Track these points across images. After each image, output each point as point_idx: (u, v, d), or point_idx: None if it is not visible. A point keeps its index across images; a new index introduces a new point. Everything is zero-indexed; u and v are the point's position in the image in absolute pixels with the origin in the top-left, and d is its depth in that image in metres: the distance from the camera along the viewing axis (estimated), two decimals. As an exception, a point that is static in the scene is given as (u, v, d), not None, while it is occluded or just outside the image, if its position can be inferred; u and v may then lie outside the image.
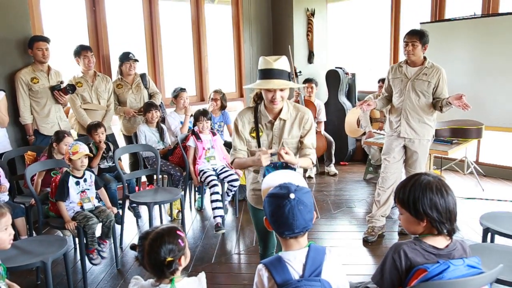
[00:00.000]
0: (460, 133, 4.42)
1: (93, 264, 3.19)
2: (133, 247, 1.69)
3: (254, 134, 2.41)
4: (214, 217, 3.88)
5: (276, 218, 1.54)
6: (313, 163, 2.38)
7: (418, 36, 3.49)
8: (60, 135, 3.60)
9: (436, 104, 3.53)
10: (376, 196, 3.79)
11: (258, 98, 2.43)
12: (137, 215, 4.32)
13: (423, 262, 1.50)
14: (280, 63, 2.23)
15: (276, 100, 2.26)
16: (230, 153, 2.46)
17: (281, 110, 2.34)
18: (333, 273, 1.55)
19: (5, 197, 3.41)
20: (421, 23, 5.37)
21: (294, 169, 2.18)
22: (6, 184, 3.41)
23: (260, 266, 1.54)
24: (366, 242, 3.68)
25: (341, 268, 1.59)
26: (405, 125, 3.62)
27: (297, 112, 2.39)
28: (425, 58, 3.58)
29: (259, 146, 2.38)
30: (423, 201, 1.52)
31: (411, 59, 3.57)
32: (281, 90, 2.25)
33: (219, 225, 3.83)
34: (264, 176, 2.10)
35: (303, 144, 2.38)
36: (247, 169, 2.50)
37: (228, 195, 4.20)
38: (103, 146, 3.94)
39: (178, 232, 1.67)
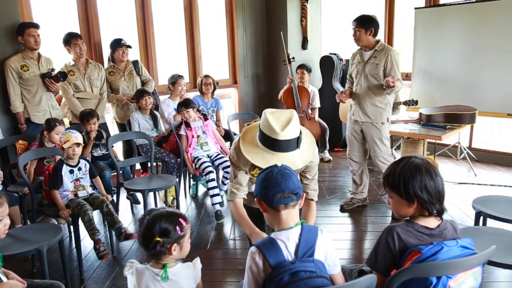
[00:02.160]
0: (454, 118, 4.44)
1: (101, 258, 3.02)
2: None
3: (254, 172, 2.15)
4: (213, 204, 3.90)
5: (266, 184, 1.57)
6: (315, 200, 2.28)
7: (360, 23, 3.60)
8: (51, 124, 3.57)
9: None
10: (352, 175, 4.06)
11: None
12: (136, 201, 4.32)
13: (416, 243, 1.52)
14: (289, 131, 1.84)
15: None
16: (230, 191, 2.17)
17: None
18: (326, 252, 1.57)
19: (-1, 186, 3.39)
20: (415, 8, 5.35)
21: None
22: (1, 173, 3.39)
23: (253, 248, 1.55)
24: (342, 209, 4.04)
25: (333, 248, 1.61)
26: (358, 109, 3.80)
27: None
28: (377, 41, 3.68)
29: None
30: (413, 183, 1.54)
31: (359, 44, 3.70)
32: None
33: (219, 213, 3.85)
34: None
35: (305, 185, 2.18)
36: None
37: (224, 184, 4.19)
38: (93, 135, 3.89)
39: (180, 219, 1.67)
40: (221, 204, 3.92)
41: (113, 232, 3.48)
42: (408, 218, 1.62)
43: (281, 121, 1.85)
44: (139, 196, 4.33)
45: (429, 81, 5.34)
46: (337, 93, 3.95)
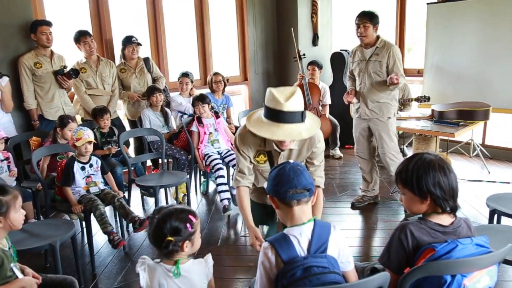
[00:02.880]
0: (467, 115, 4.38)
1: (116, 247, 3.04)
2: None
3: (259, 159, 2.17)
4: (221, 200, 3.90)
5: (278, 180, 1.58)
6: (321, 188, 2.24)
7: (368, 17, 3.54)
8: (64, 120, 3.60)
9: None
10: (362, 173, 4.03)
11: None
12: (152, 194, 4.31)
13: (430, 241, 1.51)
14: (293, 102, 1.88)
15: (286, 145, 2.03)
16: (235, 178, 2.20)
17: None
18: (338, 249, 1.56)
19: (13, 182, 3.43)
20: (428, 4, 5.29)
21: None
22: (15, 169, 3.44)
23: (265, 244, 1.54)
24: (353, 206, 4.02)
25: (346, 245, 1.60)
26: (364, 107, 3.75)
27: (305, 141, 2.14)
28: (378, 37, 3.63)
29: (271, 165, 2.17)
30: (427, 179, 1.52)
31: (364, 41, 3.62)
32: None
33: (226, 207, 3.86)
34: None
35: (311, 172, 2.17)
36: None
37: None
38: (113, 151, 3.94)
39: (190, 216, 1.66)
40: (229, 200, 3.92)
41: (125, 227, 3.52)
42: (421, 215, 1.60)
43: (285, 94, 1.89)
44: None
45: (441, 77, 5.28)
46: (344, 95, 3.89)
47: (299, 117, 1.90)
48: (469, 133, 5.14)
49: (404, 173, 1.59)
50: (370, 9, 3.65)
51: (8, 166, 3.42)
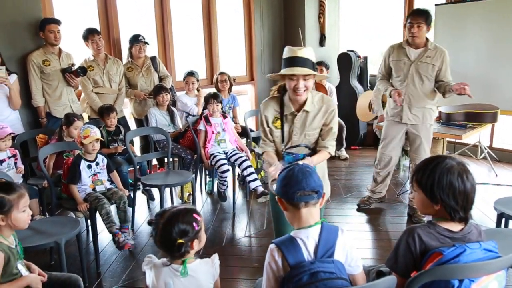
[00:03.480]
0: (475, 117, 4.35)
1: (121, 248, 3.09)
2: (150, 222, 1.70)
3: (276, 124, 2.35)
4: (219, 185, 4.08)
5: (287, 181, 1.59)
6: (330, 153, 2.35)
7: (424, 17, 3.31)
8: (70, 119, 3.61)
9: (440, 88, 3.44)
10: (375, 174, 3.89)
11: (283, 89, 2.35)
12: (151, 198, 4.34)
13: (438, 246, 1.49)
14: (304, 52, 2.18)
15: (300, 89, 2.18)
16: (260, 145, 2.47)
17: (305, 101, 2.27)
18: (346, 253, 1.54)
19: (19, 179, 3.45)
20: (436, 5, 5.25)
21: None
22: (22, 166, 3.45)
23: (272, 246, 1.53)
24: (359, 209, 3.98)
25: (354, 247, 1.58)
26: (407, 111, 3.53)
27: (321, 104, 2.31)
28: (427, 39, 3.44)
29: (282, 137, 2.34)
30: (441, 186, 1.49)
31: (415, 41, 3.40)
32: (305, 79, 2.18)
33: (223, 195, 4.07)
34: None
35: (323, 135, 2.33)
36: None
37: (251, 181, 4.04)
38: (119, 149, 3.96)
39: (194, 215, 1.66)
40: (224, 191, 4.12)
41: (129, 226, 3.52)
42: (431, 219, 1.58)
43: (298, 48, 2.21)
44: (155, 191, 4.35)
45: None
46: (393, 95, 3.48)
47: (311, 65, 2.20)
48: (476, 135, 5.10)
49: (421, 172, 1.56)
50: (424, 7, 3.44)
51: (15, 163, 3.43)
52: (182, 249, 1.60)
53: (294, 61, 2.17)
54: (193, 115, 4.51)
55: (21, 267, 1.94)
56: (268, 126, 2.37)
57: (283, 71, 2.20)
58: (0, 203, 1.84)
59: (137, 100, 4.62)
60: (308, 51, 2.20)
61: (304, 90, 2.21)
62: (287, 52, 2.22)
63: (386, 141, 3.74)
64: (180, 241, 1.59)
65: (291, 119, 2.32)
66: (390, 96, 3.55)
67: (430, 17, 3.34)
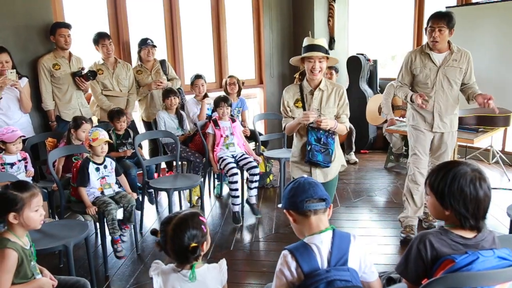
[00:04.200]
0: (487, 121, 4.28)
1: (118, 258, 3.14)
2: (153, 232, 1.69)
3: (298, 104, 2.84)
4: (232, 204, 3.91)
5: (294, 192, 1.60)
6: (347, 128, 2.87)
7: (445, 20, 3.13)
8: (78, 122, 3.62)
9: (464, 92, 3.31)
10: (406, 192, 3.45)
11: (301, 75, 2.90)
12: (151, 201, 4.33)
13: (450, 253, 1.45)
14: (319, 40, 2.73)
15: (315, 70, 2.70)
16: (282, 122, 2.92)
17: (320, 82, 2.79)
18: (359, 260, 1.52)
19: (29, 181, 3.46)
20: (447, 7, 5.20)
21: (334, 139, 2.80)
22: (32, 170, 3.48)
23: (285, 252, 1.51)
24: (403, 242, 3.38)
25: (367, 254, 1.56)
26: (438, 119, 3.30)
27: (333, 86, 2.84)
28: (449, 41, 3.28)
29: (304, 109, 2.83)
30: (452, 191, 1.46)
31: (437, 46, 3.22)
32: (320, 61, 2.70)
33: (236, 216, 3.87)
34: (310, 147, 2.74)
35: (340, 114, 2.84)
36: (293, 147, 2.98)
37: (251, 184, 4.02)
38: (128, 153, 3.97)
39: (200, 217, 1.67)
40: (239, 212, 3.94)
41: (138, 229, 3.52)
42: (443, 226, 1.55)
43: (315, 38, 2.74)
44: (164, 194, 4.35)
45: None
46: (416, 99, 3.20)
47: (324, 50, 2.71)
48: (488, 139, 5.03)
49: (434, 177, 1.53)
50: (447, 10, 3.25)
51: (25, 166, 3.45)
52: (197, 251, 1.61)
53: (312, 48, 2.70)
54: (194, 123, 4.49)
55: (34, 269, 1.96)
56: (288, 106, 2.87)
57: (304, 55, 2.71)
58: (13, 201, 1.87)
59: (153, 88, 4.56)
60: (322, 40, 2.75)
61: (319, 71, 2.72)
62: (306, 41, 2.75)
63: (419, 152, 3.40)
64: (194, 244, 1.60)
65: (310, 98, 2.81)
66: (412, 101, 3.27)
67: (452, 20, 3.15)
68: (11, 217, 1.87)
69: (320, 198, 1.57)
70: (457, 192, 1.46)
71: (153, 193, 4.29)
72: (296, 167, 2.92)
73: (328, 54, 2.75)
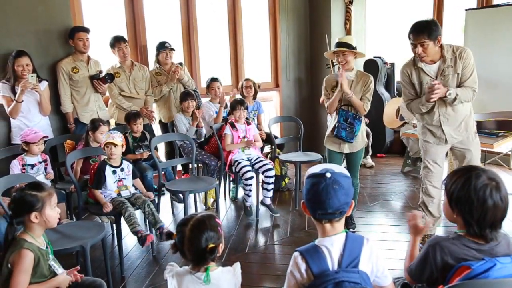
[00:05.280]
0: (507, 125, 4.20)
1: (142, 243, 3.01)
2: (169, 234, 1.70)
3: (333, 90, 3.51)
4: (244, 196, 4.08)
5: (311, 196, 1.50)
6: (364, 109, 3.44)
7: (426, 34, 2.83)
8: (95, 124, 3.68)
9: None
10: (421, 203, 3.32)
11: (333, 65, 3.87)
12: (180, 200, 4.34)
13: (463, 257, 1.44)
14: (345, 38, 3.43)
15: (341, 62, 3.39)
16: (325, 102, 3.62)
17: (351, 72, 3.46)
18: (372, 264, 1.50)
19: (48, 183, 3.53)
20: (466, 10, 5.13)
21: (360, 121, 3.46)
22: (52, 172, 3.55)
23: (296, 254, 1.51)
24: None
25: (380, 258, 1.53)
26: (449, 131, 3.12)
27: (361, 76, 3.48)
28: (441, 46, 2.96)
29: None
30: (459, 195, 1.46)
31: (426, 61, 2.98)
32: (344, 55, 3.36)
33: (248, 209, 4.07)
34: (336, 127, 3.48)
35: (363, 97, 3.45)
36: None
37: (267, 189, 4.03)
38: (145, 155, 4.01)
39: (217, 220, 1.69)
40: (250, 205, 4.09)
41: (154, 232, 3.55)
42: (456, 232, 1.54)
43: (342, 36, 3.61)
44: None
45: (479, 86, 5.08)
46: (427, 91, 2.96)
47: (347, 46, 3.36)
48: (508, 144, 4.93)
49: (448, 179, 1.54)
50: (425, 19, 2.93)
51: (45, 168, 3.52)
52: (215, 252, 1.62)
53: (338, 44, 3.40)
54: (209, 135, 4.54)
55: (54, 265, 2.00)
56: (327, 91, 3.58)
57: (332, 50, 3.51)
58: (35, 201, 1.92)
59: (165, 103, 4.65)
60: (348, 38, 3.46)
61: (345, 63, 3.38)
62: (336, 39, 3.48)
63: (431, 165, 3.23)
64: (212, 245, 1.61)
65: None
66: (429, 101, 2.97)
67: (434, 30, 2.84)
68: (32, 216, 1.92)
69: (335, 210, 1.48)
70: (464, 197, 1.45)
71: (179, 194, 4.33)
72: (329, 139, 3.60)
73: (353, 49, 3.31)
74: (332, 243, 1.49)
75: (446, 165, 3.55)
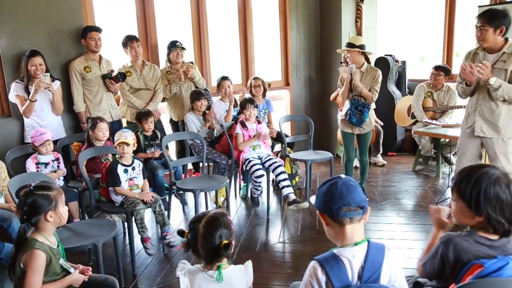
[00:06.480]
0: None
1: (148, 254, 3.24)
2: (180, 232, 1.71)
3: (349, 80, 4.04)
4: (253, 193, 4.19)
5: (330, 197, 1.47)
6: (372, 99, 4.00)
7: (486, 18, 2.95)
8: (94, 122, 3.71)
9: None
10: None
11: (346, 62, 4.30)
12: (184, 202, 4.41)
13: (474, 254, 1.43)
14: (352, 39, 4.05)
15: (348, 58, 4.18)
16: (339, 92, 4.33)
17: (361, 66, 4.03)
18: (390, 274, 1.46)
19: (60, 181, 3.58)
20: (479, 6, 5.06)
21: (369, 108, 4.03)
22: (64, 169, 3.59)
23: (315, 264, 1.43)
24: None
25: (400, 267, 1.49)
26: (480, 122, 3.17)
27: (371, 70, 4.04)
28: (506, 40, 3.03)
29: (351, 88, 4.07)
30: (488, 198, 1.43)
31: (483, 46, 3.07)
32: (348, 52, 4.04)
33: (256, 200, 4.22)
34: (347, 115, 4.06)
35: (371, 88, 4.00)
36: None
37: (285, 186, 4.00)
38: (156, 154, 4.05)
39: (228, 217, 1.71)
40: (257, 198, 4.26)
41: (170, 229, 3.57)
42: (467, 229, 1.53)
43: (352, 37, 4.11)
44: (190, 196, 4.40)
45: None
46: (466, 75, 3.06)
47: (352, 46, 3.96)
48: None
49: (464, 182, 1.49)
50: (497, 7, 3.02)
51: (58, 166, 3.57)
52: (230, 248, 1.63)
53: (346, 44, 4.04)
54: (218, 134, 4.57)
55: (65, 265, 2.02)
56: (341, 82, 4.14)
57: (337, 50, 4.52)
58: (50, 200, 1.96)
59: (175, 102, 4.68)
60: (355, 39, 4.06)
61: (351, 59, 4.04)
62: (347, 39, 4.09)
63: (459, 152, 3.40)
64: (226, 241, 1.62)
65: (354, 74, 3.99)
66: (469, 85, 3.13)
67: (496, 19, 2.92)
68: (48, 216, 1.94)
69: (358, 205, 1.46)
70: (494, 198, 1.43)
71: (184, 194, 4.36)
72: (343, 123, 4.17)
73: (358, 48, 3.94)
74: (354, 255, 1.43)
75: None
